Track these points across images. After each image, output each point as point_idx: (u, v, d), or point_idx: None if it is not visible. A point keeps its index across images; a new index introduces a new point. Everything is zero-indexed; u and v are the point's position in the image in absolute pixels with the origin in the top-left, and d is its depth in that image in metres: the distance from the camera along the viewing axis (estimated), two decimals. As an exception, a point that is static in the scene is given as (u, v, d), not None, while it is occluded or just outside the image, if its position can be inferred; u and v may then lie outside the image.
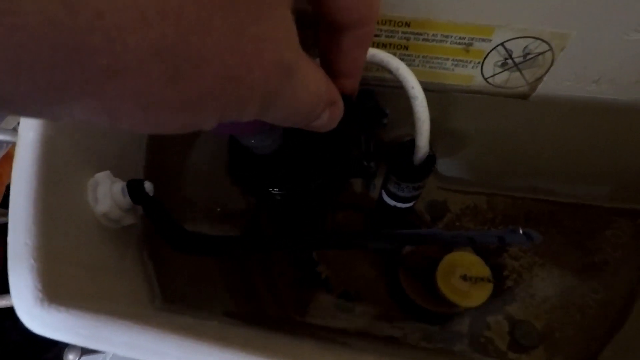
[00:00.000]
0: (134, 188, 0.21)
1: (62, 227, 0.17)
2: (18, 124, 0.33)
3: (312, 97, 0.13)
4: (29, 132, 0.18)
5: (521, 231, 0.24)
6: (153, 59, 0.08)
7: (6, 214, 0.41)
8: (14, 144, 0.46)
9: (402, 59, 0.26)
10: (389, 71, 0.22)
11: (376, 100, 0.19)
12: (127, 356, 0.13)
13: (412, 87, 0.21)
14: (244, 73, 0.10)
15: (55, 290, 0.15)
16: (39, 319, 0.14)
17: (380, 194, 0.30)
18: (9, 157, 0.45)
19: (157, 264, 0.23)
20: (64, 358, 0.35)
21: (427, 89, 0.27)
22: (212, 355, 0.13)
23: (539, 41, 0.23)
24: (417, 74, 0.26)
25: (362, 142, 0.24)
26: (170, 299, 0.22)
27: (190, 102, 0.09)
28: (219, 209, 0.28)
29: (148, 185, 0.21)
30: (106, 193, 0.20)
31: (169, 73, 0.09)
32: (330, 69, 0.16)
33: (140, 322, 0.15)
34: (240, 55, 0.10)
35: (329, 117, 0.15)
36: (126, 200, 0.21)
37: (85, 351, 0.36)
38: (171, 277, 0.24)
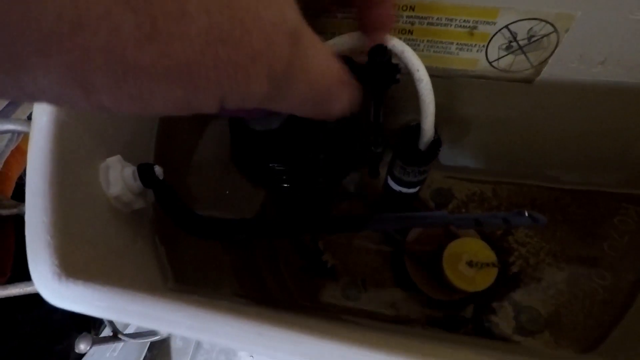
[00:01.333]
0: (144, 172, 0.21)
1: (77, 207, 0.18)
2: (31, 114, 0.33)
3: (326, 71, 0.11)
4: (42, 116, 0.18)
5: (526, 213, 0.24)
6: (122, 8, 0.07)
7: (17, 206, 0.41)
8: (25, 136, 0.46)
9: (406, 44, 0.26)
10: (394, 54, 0.22)
11: (389, 56, 0.18)
12: (142, 325, 0.13)
13: (418, 70, 0.22)
14: (239, 34, 0.08)
15: (72, 266, 0.16)
16: (58, 292, 0.15)
17: (386, 180, 0.30)
18: (19, 151, 0.45)
19: (169, 248, 0.24)
20: (75, 348, 0.35)
21: (431, 74, 0.27)
22: (226, 324, 0.13)
23: (543, 23, 0.23)
24: (421, 59, 0.27)
25: (371, 111, 0.23)
26: (181, 281, 0.23)
27: (176, 70, 0.08)
28: (227, 192, 0.28)
29: (158, 169, 0.22)
30: (117, 176, 0.21)
31: (143, 28, 0.07)
32: (367, 21, 0.15)
33: (154, 295, 0.15)
34: (232, 11, 0.08)
35: (349, 98, 0.13)
36: (137, 184, 0.21)
37: (95, 341, 0.36)
38: (182, 260, 0.25)
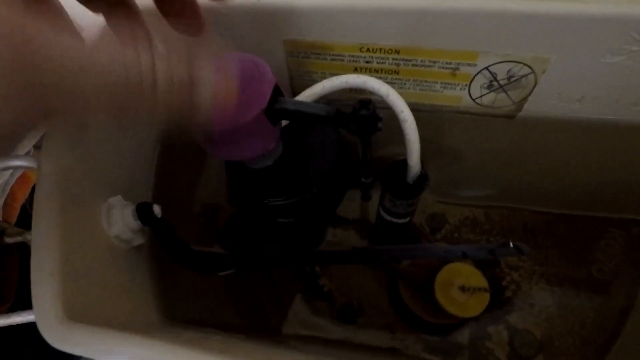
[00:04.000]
0: (143, 211, 0.22)
1: (80, 250, 0.19)
2: (33, 147, 0.35)
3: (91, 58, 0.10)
4: (48, 163, 0.19)
5: (512, 244, 0.25)
6: None
7: (21, 234, 0.42)
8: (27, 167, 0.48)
9: (394, 83, 0.27)
10: (380, 97, 0.23)
11: (373, 110, 0.20)
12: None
13: (402, 112, 0.23)
14: None
15: (74, 309, 0.17)
16: (60, 336, 0.16)
17: (378, 209, 0.31)
18: (23, 178, 0.47)
19: (164, 281, 0.25)
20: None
21: (418, 109, 0.29)
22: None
23: (521, 65, 0.24)
24: (408, 96, 0.28)
25: (360, 149, 0.24)
26: (176, 314, 0.24)
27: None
28: (200, 219, 0.29)
29: (156, 208, 0.23)
30: (118, 216, 0.22)
31: None
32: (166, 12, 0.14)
33: (150, 336, 0.16)
34: None
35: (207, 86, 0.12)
36: (136, 223, 0.22)
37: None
38: (178, 293, 0.26)
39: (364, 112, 0.18)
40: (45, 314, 0.16)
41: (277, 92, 0.19)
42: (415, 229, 0.40)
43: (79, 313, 0.17)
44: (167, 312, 0.24)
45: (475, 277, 0.33)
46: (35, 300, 0.16)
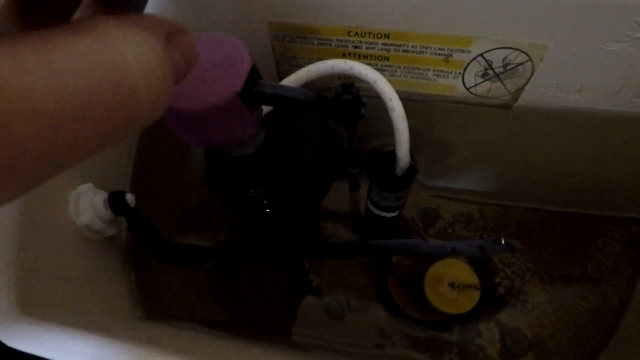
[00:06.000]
0: (115, 200, 0.21)
1: (42, 240, 0.18)
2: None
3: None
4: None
5: (503, 241, 0.24)
6: None
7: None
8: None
9: (384, 70, 0.26)
10: (367, 82, 0.22)
11: (357, 94, 0.18)
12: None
13: (390, 99, 0.22)
14: None
15: (30, 304, 0.15)
16: (11, 331, 0.15)
17: (367, 204, 0.30)
18: None
19: (140, 274, 0.24)
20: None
21: (410, 98, 0.27)
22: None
23: (517, 52, 0.23)
24: (399, 84, 0.27)
25: (345, 138, 0.23)
26: (152, 308, 0.23)
27: None
28: (179, 214, 0.28)
29: (130, 197, 0.22)
30: (88, 205, 0.21)
31: None
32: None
33: (107, 334, 0.15)
34: None
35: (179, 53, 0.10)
36: (108, 212, 0.21)
37: None
38: (155, 287, 0.25)
39: (347, 97, 0.17)
40: (-2, 308, 0.15)
41: (254, 74, 0.18)
42: (406, 224, 0.38)
43: (36, 307, 0.16)
44: (145, 306, 0.23)
45: (466, 274, 0.32)
46: (-13, 293, 0.15)
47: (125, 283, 0.22)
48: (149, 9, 0.12)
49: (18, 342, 0.14)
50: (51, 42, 0.08)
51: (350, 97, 0.17)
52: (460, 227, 0.39)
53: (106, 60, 0.08)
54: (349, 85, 0.17)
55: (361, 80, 0.23)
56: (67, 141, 0.08)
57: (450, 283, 0.31)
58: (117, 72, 0.08)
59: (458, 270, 0.32)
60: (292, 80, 0.23)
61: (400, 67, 0.25)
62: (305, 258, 0.35)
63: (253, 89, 0.18)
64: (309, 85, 0.24)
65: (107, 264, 0.22)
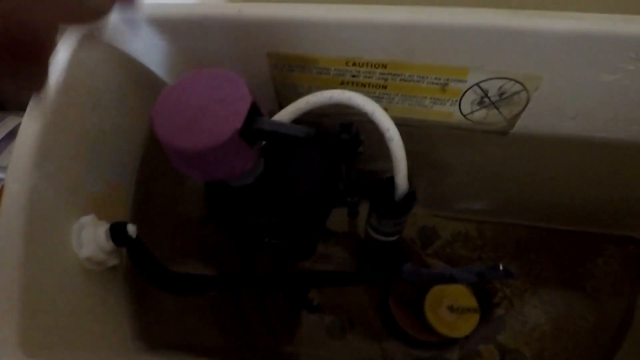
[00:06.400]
0: (116, 231, 0.21)
1: (45, 276, 0.18)
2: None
3: None
4: (14, 184, 0.18)
5: (501, 267, 0.24)
6: None
7: None
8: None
9: (382, 97, 0.26)
10: (365, 113, 0.23)
11: (355, 133, 0.19)
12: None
13: (388, 130, 0.22)
14: None
15: (33, 343, 0.16)
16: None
17: (366, 228, 0.30)
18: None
19: (142, 302, 0.24)
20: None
21: (408, 124, 0.28)
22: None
23: (512, 82, 0.23)
24: (397, 111, 0.27)
25: (344, 172, 0.24)
26: (152, 337, 0.23)
27: None
28: (178, 244, 0.28)
29: (131, 228, 0.22)
30: (90, 237, 0.21)
31: None
32: None
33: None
34: None
35: None
36: (109, 243, 0.21)
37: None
38: (157, 315, 0.25)
39: (345, 137, 0.17)
40: (2, 348, 0.15)
41: (254, 111, 0.18)
42: (405, 244, 0.39)
43: (39, 346, 0.16)
44: (145, 335, 0.23)
45: (464, 297, 0.32)
46: (-9, 333, 0.15)
47: (125, 313, 0.22)
48: (151, 48, 0.13)
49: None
50: None
51: (348, 137, 0.17)
52: (459, 246, 0.39)
53: None
54: (347, 125, 0.17)
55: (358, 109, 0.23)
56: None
57: (449, 306, 0.32)
58: None
59: (457, 293, 0.32)
60: (291, 111, 0.24)
61: (397, 94, 0.26)
62: (308, 286, 0.35)
63: (253, 126, 0.18)
64: (307, 114, 0.24)
65: (108, 295, 0.22)
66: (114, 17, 0.13)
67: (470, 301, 0.31)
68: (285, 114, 0.24)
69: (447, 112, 0.26)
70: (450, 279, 0.23)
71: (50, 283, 0.18)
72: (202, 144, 0.17)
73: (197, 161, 0.18)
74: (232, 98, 0.18)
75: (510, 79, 0.23)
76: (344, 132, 0.17)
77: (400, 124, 0.22)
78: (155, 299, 0.25)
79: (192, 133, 0.17)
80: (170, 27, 0.24)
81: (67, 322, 0.18)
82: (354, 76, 0.25)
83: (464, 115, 0.26)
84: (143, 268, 0.22)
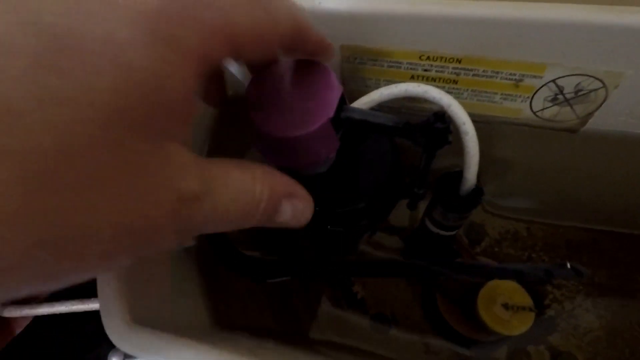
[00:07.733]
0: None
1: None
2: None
3: (241, 204, 0.13)
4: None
5: (569, 265, 0.24)
6: None
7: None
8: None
9: (450, 92, 0.27)
10: (441, 107, 0.23)
11: (449, 123, 0.19)
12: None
13: (464, 123, 0.22)
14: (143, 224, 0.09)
15: (138, 312, 0.17)
16: (125, 338, 0.16)
17: (423, 220, 0.30)
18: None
19: (211, 285, 0.25)
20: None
21: (473, 120, 0.28)
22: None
23: (591, 79, 0.23)
24: (464, 106, 0.27)
25: (422, 161, 0.24)
26: (224, 319, 0.24)
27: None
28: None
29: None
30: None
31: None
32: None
33: (206, 343, 0.16)
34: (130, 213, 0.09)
35: (292, 212, 0.15)
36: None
37: (127, 355, 0.38)
38: (224, 297, 0.25)
39: (439, 125, 0.17)
40: (112, 316, 0.16)
41: (343, 100, 0.19)
42: (454, 241, 0.39)
43: (143, 316, 0.17)
44: (214, 316, 0.24)
45: (519, 295, 0.32)
46: (102, 302, 0.16)
47: (201, 294, 0.23)
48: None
49: (130, 347, 0.15)
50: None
51: (442, 125, 0.17)
52: (507, 245, 0.39)
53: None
54: (441, 114, 0.17)
55: (430, 102, 0.23)
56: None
57: (504, 304, 0.31)
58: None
59: (511, 291, 0.32)
60: (365, 102, 0.24)
61: (467, 90, 0.26)
62: (362, 275, 0.35)
63: (342, 114, 0.19)
64: (378, 105, 0.25)
65: (187, 275, 0.23)
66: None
67: (526, 299, 0.31)
68: (359, 105, 0.24)
69: (516, 108, 0.26)
70: (518, 275, 0.23)
71: (146, 259, 0.19)
72: (296, 132, 0.18)
73: (286, 149, 0.19)
74: (323, 86, 0.19)
75: (590, 76, 0.23)
76: (439, 121, 0.17)
77: (467, 119, 0.22)
78: (222, 282, 0.26)
79: (287, 120, 0.18)
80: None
81: (161, 298, 0.19)
82: (425, 70, 0.25)
83: (534, 112, 0.26)
84: (220, 253, 0.23)
